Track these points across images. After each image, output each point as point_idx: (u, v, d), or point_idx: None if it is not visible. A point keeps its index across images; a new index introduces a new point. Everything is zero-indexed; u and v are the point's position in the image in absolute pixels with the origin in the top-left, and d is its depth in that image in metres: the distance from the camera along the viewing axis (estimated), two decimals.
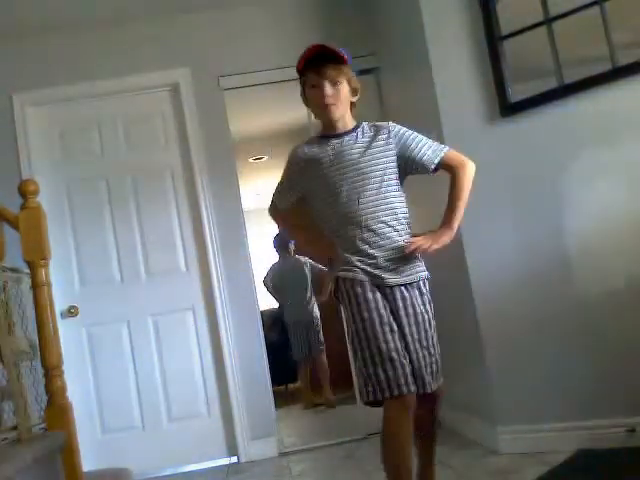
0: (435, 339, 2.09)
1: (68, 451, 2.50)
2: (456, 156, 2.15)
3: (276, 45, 4.05)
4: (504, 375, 2.92)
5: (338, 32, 4.09)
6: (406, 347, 2.00)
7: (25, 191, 2.63)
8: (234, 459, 3.83)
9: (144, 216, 3.97)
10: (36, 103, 3.94)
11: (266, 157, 6.87)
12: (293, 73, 3.95)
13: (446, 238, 2.09)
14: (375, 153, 2.10)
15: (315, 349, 5.70)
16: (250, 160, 6.86)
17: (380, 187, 2.07)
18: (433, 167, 2.12)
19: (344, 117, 2.13)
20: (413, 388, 1.96)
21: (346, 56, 2.09)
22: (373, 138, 2.12)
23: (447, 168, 2.14)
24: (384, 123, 2.17)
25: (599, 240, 2.74)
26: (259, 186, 7.76)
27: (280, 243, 5.88)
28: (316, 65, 2.06)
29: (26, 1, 3.63)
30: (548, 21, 2.85)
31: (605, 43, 2.72)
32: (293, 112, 4.64)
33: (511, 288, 2.91)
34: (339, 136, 2.13)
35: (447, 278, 3.37)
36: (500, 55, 2.93)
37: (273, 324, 6.41)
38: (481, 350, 2.97)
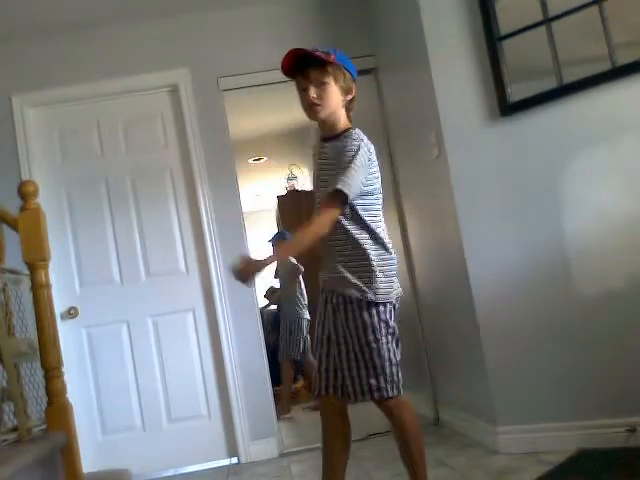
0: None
1: (68, 452, 2.50)
2: (324, 203, 2.07)
3: (275, 46, 4.02)
4: (504, 375, 2.92)
5: (337, 33, 4.10)
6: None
7: (25, 192, 2.63)
8: (234, 460, 3.83)
9: (144, 217, 3.97)
10: (35, 104, 3.95)
11: (265, 158, 6.86)
12: None
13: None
14: (328, 167, 2.11)
15: (307, 349, 5.67)
16: (249, 161, 6.86)
17: None
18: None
19: (332, 117, 2.13)
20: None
21: (333, 55, 2.10)
22: (338, 149, 2.10)
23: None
24: (350, 136, 2.10)
25: (599, 240, 2.74)
26: (258, 187, 7.76)
27: (280, 241, 5.86)
28: (301, 69, 2.11)
29: (25, 2, 3.63)
30: (547, 21, 2.85)
31: (604, 43, 2.72)
32: (292, 113, 4.61)
33: (511, 288, 2.91)
34: (325, 140, 2.18)
35: (447, 279, 3.37)
36: (499, 55, 2.93)
37: (272, 326, 6.39)
38: (481, 350, 2.97)
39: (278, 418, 3.93)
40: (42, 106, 3.97)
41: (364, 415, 4.14)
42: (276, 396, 4.41)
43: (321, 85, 2.09)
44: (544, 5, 2.86)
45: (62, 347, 2.64)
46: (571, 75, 2.80)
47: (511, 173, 2.94)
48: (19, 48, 3.91)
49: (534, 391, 2.86)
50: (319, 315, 2.21)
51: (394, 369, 2.10)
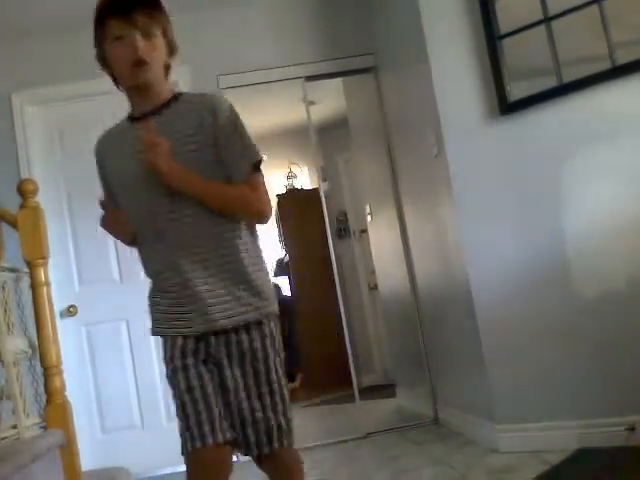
0: None
1: (67, 450, 2.50)
2: (255, 187, 1.71)
3: (275, 44, 4.05)
4: (503, 374, 2.92)
5: (337, 31, 4.10)
6: None
7: (24, 190, 2.63)
8: (233, 458, 3.82)
9: None
10: (35, 102, 3.94)
11: (265, 156, 6.84)
12: (292, 72, 4.03)
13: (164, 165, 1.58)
14: (190, 141, 1.61)
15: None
16: None
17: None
18: (238, 181, 1.68)
19: (158, 83, 1.64)
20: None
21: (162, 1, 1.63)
22: (191, 118, 1.63)
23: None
24: (211, 99, 1.68)
25: (599, 240, 2.74)
26: None
27: None
28: (122, 11, 1.57)
29: (25, 0, 3.62)
30: (547, 19, 2.85)
31: (604, 42, 2.72)
32: (292, 111, 4.64)
33: (510, 287, 2.91)
34: (152, 113, 1.64)
35: (447, 278, 3.37)
36: (499, 54, 2.93)
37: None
38: (481, 349, 2.97)
39: None
40: (42, 104, 3.96)
41: (362, 414, 4.15)
42: None
43: (149, 38, 1.59)
44: (544, 4, 2.85)
45: (61, 345, 2.64)
46: (571, 74, 2.79)
47: (511, 172, 2.93)
48: (19, 46, 3.90)
49: (533, 390, 2.86)
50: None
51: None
